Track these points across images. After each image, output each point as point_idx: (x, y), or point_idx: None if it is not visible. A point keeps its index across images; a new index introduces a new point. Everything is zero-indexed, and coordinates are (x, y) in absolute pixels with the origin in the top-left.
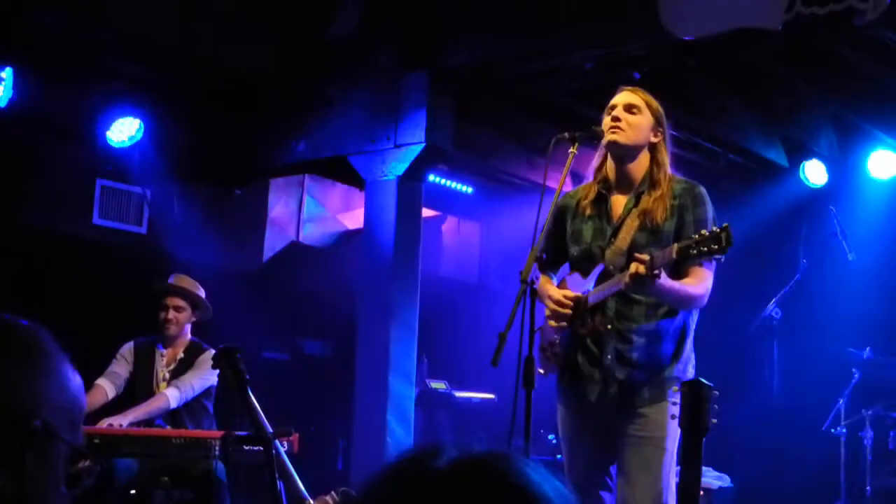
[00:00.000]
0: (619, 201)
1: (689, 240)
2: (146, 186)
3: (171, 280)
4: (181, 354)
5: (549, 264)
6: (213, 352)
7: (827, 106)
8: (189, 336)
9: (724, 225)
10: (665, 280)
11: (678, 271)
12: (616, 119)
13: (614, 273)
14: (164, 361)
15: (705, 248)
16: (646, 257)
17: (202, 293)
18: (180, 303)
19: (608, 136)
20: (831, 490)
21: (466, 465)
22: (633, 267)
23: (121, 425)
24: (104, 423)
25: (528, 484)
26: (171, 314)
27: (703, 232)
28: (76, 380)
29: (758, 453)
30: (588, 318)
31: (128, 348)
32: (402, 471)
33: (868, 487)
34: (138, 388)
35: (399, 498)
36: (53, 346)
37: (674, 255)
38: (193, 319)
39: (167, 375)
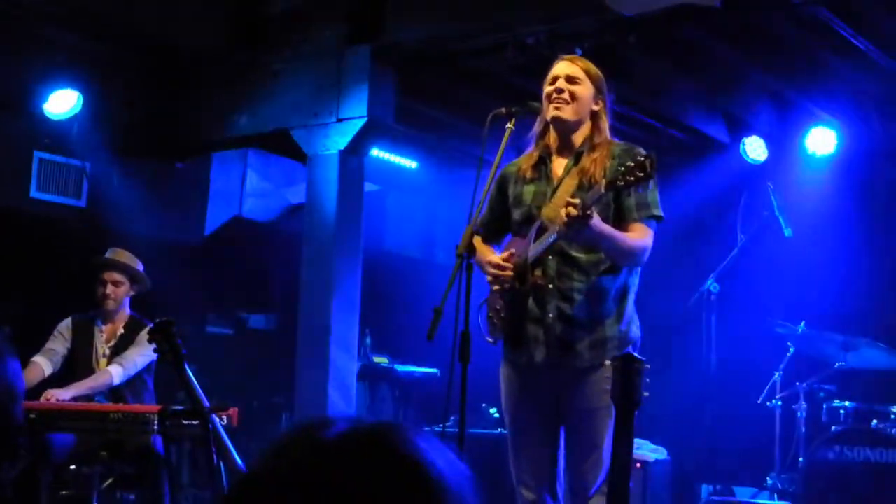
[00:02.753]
0: (559, 164)
1: (616, 172)
2: (86, 159)
3: (108, 254)
4: (121, 330)
5: (491, 235)
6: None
7: (766, 83)
8: (128, 311)
9: (649, 152)
10: (599, 223)
11: (619, 227)
12: (560, 91)
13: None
14: (103, 337)
15: (632, 178)
16: (577, 200)
17: (140, 267)
18: (118, 277)
19: (552, 112)
20: (766, 462)
21: (356, 435)
22: (565, 210)
23: (58, 399)
24: (45, 396)
25: (418, 454)
26: (110, 289)
27: (629, 163)
28: (11, 365)
29: (694, 426)
30: (528, 276)
31: (66, 325)
32: (291, 442)
33: (801, 459)
34: (78, 364)
35: (288, 469)
36: None
37: (602, 190)
38: (132, 293)
39: (107, 351)
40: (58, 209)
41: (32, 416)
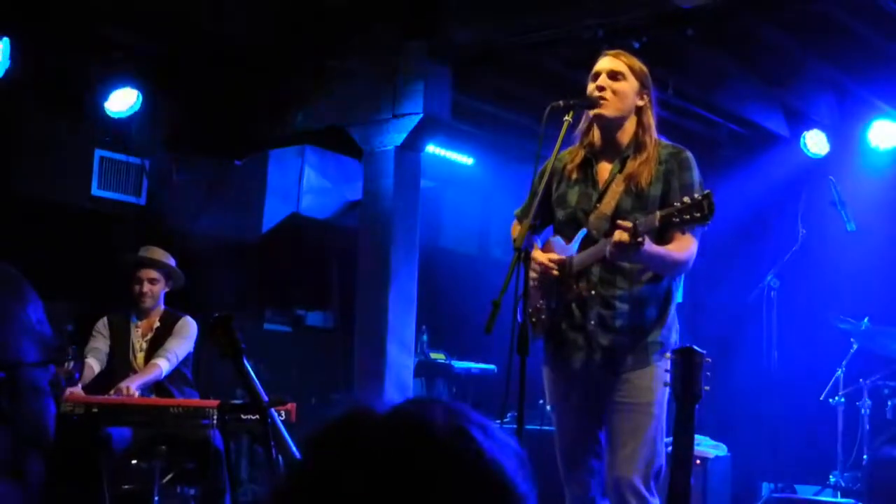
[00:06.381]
0: (604, 167)
1: (672, 208)
2: (145, 157)
3: (142, 252)
4: (157, 324)
5: (533, 229)
6: (188, 318)
7: (826, 74)
8: (163, 306)
9: (706, 192)
10: (650, 246)
11: (663, 237)
12: (601, 88)
13: (598, 238)
14: (139, 333)
15: (688, 216)
16: (629, 224)
17: (173, 262)
18: (154, 274)
19: (595, 111)
20: (828, 459)
21: (405, 411)
22: (617, 235)
23: (129, 387)
24: (117, 390)
25: (465, 427)
26: (147, 286)
27: (686, 199)
28: (36, 306)
29: (755, 422)
30: (573, 284)
31: (102, 323)
32: (342, 419)
33: (865, 457)
34: (117, 361)
35: (337, 442)
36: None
37: (656, 223)
38: (167, 289)
39: (144, 346)
40: (118, 206)
41: (95, 409)
